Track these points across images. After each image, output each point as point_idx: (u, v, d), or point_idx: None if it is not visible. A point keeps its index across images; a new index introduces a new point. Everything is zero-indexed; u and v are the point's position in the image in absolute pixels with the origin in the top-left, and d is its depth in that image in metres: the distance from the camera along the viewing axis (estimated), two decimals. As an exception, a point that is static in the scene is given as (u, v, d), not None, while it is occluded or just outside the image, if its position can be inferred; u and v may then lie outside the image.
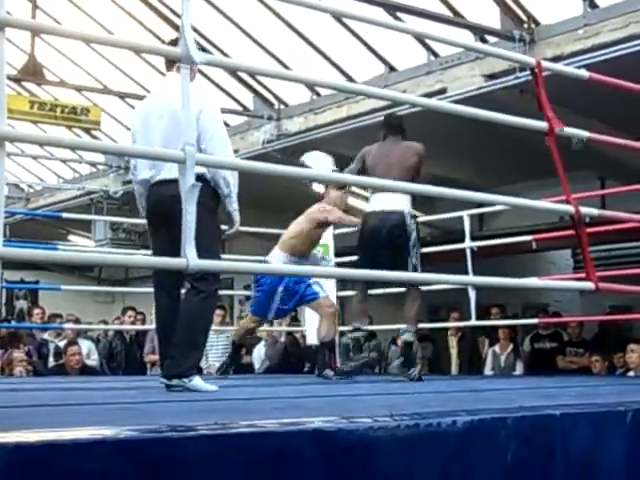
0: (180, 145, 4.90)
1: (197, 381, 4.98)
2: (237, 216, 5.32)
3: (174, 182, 5.01)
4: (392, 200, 6.61)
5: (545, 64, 4.65)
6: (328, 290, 8.70)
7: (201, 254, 4.18)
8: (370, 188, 7.01)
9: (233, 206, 5.25)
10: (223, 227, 5.40)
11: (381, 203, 6.71)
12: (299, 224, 7.58)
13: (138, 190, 5.49)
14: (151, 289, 8.54)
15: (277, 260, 7.50)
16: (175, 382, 4.94)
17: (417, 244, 6.72)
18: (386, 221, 6.67)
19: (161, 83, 5.73)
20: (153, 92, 5.77)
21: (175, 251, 4.61)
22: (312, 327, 8.41)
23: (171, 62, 5.22)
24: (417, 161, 6.83)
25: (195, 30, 11.86)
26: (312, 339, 9.36)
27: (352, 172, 6.76)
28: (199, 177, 4.94)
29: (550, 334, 10.69)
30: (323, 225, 7.65)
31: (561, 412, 2.91)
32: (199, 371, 5.47)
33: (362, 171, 6.82)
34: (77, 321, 12.74)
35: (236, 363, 8.25)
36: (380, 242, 6.66)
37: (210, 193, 5.05)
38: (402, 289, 7.32)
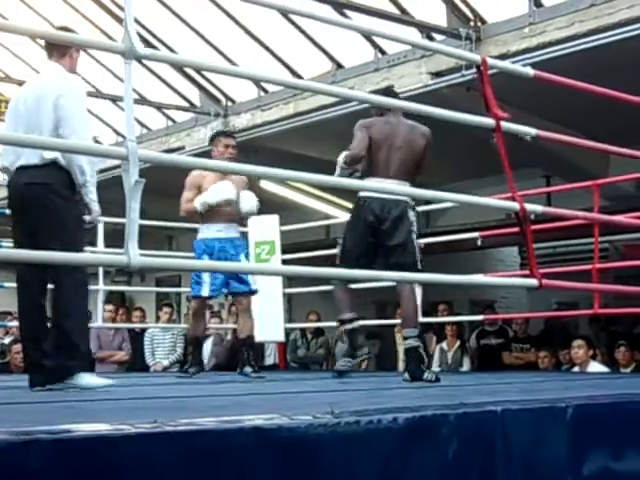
0: (40, 130, 4.92)
1: (86, 378, 4.94)
2: (95, 206, 5.18)
3: (31, 168, 4.99)
4: (394, 188, 5.83)
5: (490, 61, 4.67)
6: (273, 287, 8.65)
7: (50, 244, 4.12)
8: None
9: (89, 196, 5.12)
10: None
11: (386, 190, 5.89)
12: None
13: (5, 179, 5.48)
14: (96, 286, 8.49)
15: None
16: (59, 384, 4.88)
17: (417, 238, 6.02)
18: (388, 210, 5.88)
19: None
20: (29, 79, 5.75)
21: (31, 244, 4.59)
22: (260, 324, 8.30)
23: (50, 49, 5.22)
24: (424, 145, 6.07)
25: (140, 24, 11.83)
26: (259, 336, 9.36)
27: (361, 143, 5.94)
28: (53, 163, 4.93)
29: (496, 330, 10.77)
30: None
31: (502, 408, 2.92)
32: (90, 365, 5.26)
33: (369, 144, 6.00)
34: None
35: (200, 361, 7.89)
36: (380, 232, 5.93)
37: (64, 180, 4.99)
38: (374, 284, 7.15)
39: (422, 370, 5.68)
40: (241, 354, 7.33)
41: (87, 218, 5.21)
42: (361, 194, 6.01)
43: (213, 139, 7.52)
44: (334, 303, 6.38)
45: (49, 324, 5.11)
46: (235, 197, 7.07)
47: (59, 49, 5.21)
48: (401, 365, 11.13)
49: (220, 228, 7.27)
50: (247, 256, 7.76)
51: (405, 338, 5.91)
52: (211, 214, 7.21)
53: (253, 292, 7.37)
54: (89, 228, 5.45)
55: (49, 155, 4.93)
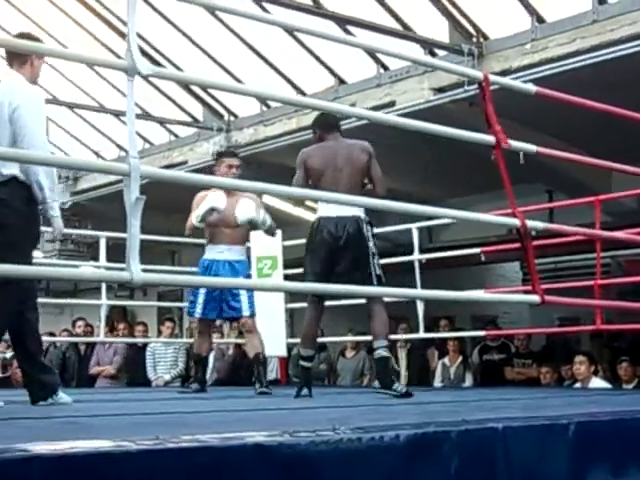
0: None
1: (61, 394, 5.01)
2: (57, 222, 5.14)
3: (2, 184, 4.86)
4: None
5: (492, 78, 4.68)
6: (275, 302, 8.59)
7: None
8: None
9: (50, 212, 5.06)
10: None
11: (334, 208, 5.92)
12: None
13: None
14: (99, 301, 8.50)
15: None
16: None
17: (376, 252, 6.03)
18: (342, 227, 5.90)
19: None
20: None
21: None
22: (262, 338, 8.25)
23: (10, 58, 5.15)
24: (367, 160, 6.08)
25: (146, 41, 11.88)
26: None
27: (299, 181, 6.13)
28: (12, 179, 4.83)
29: (498, 346, 10.75)
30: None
31: (504, 425, 2.92)
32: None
33: (307, 178, 6.17)
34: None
35: (204, 379, 7.69)
36: (337, 250, 5.92)
37: (23, 196, 4.90)
38: (361, 300, 7.07)
39: (392, 380, 5.86)
40: (254, 372, 7.21)
41: (49, 233, 5.25)
42: (316, 216, 6.14)
43: (217, 159, 7.46)
44: (303, 328, 6.34)
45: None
46: (222, 206, 6.94)
47: (19, 57, 5.12)
48: (403, 381, 11.15)
49: (222, 250, 7.24)
50: (248, 278, 7.62)
51: (375, 349, 5.96)
52: (215, 234, 7.24)
53: (247, 316, 7.24)
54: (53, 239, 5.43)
55: (7, 171, 4.84)
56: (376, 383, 5.94)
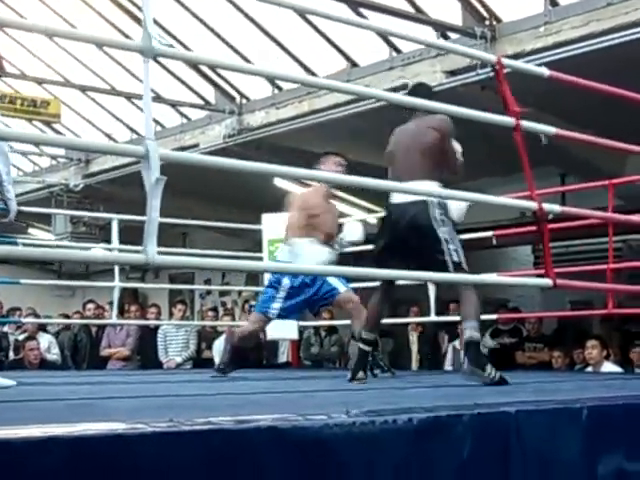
0: None
1: None
2: (12, 204, 5.22)
3: None
4: (413, 188, 5.44)
5: (505, 61, 4.67)
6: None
7: None
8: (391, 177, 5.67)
9: (6, 195, 5.15)
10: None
11: (399, 194, 5.50)
12: None
13: None
14: (112, 283, 8.51)
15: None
16: None
17: (450, 238, 5.45)
18: (407, 213, 5.46)
19: None
20: None
21: None
22: (274, 322, 8.20)
23: None
24: (435, 138, 5.52)
25: (158, 24, 11.85)
26: (273, 334, 9.35)
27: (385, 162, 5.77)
28: None
29: (510, 329, 10.74)
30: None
31: (517, 409, 2.92)
32: None
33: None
34: (35, 315, 12.68)
35: (237, 364, 7.28)
36: (400, 238, 5.51)
37: None
38: (373, 283, 6.89)
39: (484, 366, 5.19)
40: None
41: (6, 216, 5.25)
42: (388, 202, 5.69)
43: (321, 157, 7.23)
44: (367, 310, 5.95)
45: None
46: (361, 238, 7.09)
47: None
48: (414, 364, 11.16)
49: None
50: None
51: (465, 329, 5.45)
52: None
53: (346, 290, 6.99)
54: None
55: None
56: (465, 367, 5.39)
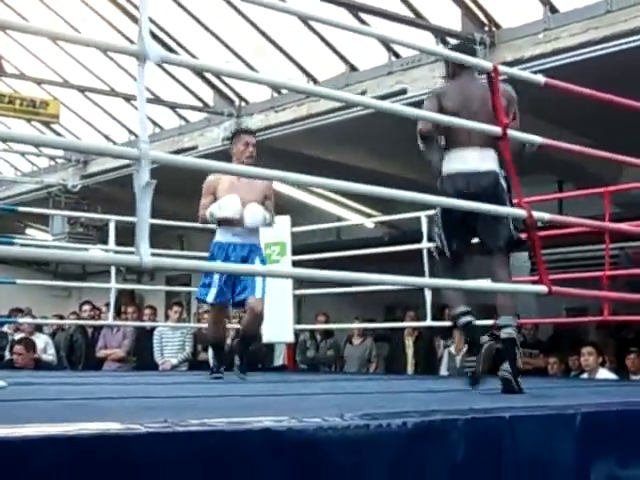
0: None
1: None
2: None
3: None
4: (482, 158, 5.10)
5: (502, 68, 4.68)
6: (282, 288, 8.45)
7: None
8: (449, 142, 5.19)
9: None
10: None
11: (470, 161, 5.12)
12: None
13: None
14: (108, 284, 8.51)
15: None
16: None
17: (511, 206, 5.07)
18: (476, 184, 5.04)
19: None
20: None
21: None
22: (269, 325, 8.21)
23: None
24: (506, 106, 4.94)
25: (158, 27, 11.88)
26: (269, 337, 9.37)
27: (427, 125, 5.18)
28: None
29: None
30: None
31: (510, 415, 2.93)
32: None
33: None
34: (31, 315, 12.70)
35: (226, 361, 7.32)
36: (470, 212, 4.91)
37: None
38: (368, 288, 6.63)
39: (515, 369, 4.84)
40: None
41: None
42: (443, 173, 5.26)
43: (234, 136, 7.17)
44: (445, 299, 5.53)
45: None
46: (239, 214, 6.75)
47: None
48: (410, 369, 11.17)
49: (238, 232, 6.94)
50: (263, 262, 7.18)
51: (503, 327, 5.03)
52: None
53: (260, 297, 6.91)
54: None
55: None
56: (505, 366, 4.83)
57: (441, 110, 5.13)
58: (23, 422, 2.19)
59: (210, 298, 6.96)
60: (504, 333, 4.97)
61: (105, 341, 11.12)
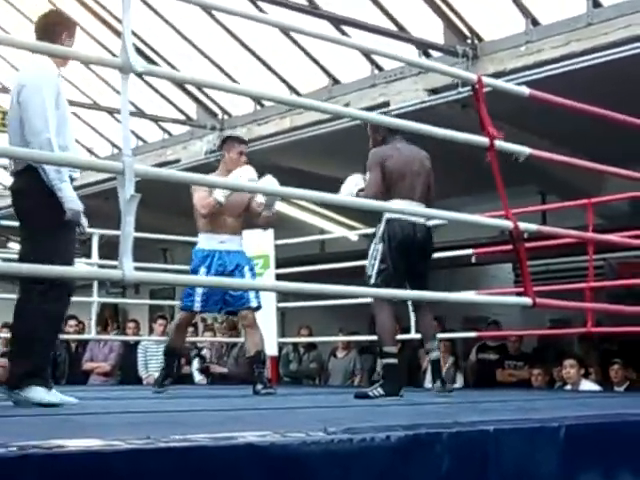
0: (14, 132, 4.63)
1: (34, 392, 4.48)
2: (67, 203, 4.62)
3: (16, 174, 4.71)
4: (410, 209, 5.87)
5: (486, 80, 4.69)
6: (266, 301, 8.42)
7: (37, 256, 3.98)
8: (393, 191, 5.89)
9: (58, 194, 4.61)
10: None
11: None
12: None
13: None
14: (91, 298, 8.46)
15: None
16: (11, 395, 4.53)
17: None
18: (423, 235, 5.98)
19: None
20: None
21: (24, 254, 4.52)
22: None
23: (40, 38, 4.79)
24: (430, 167, 6.17)
25: (141, 39, 11.87)
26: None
27: (377, 181, 5.90)
28: (29, 167, 4.57)
29: (497, 346, 10.74)
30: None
31: (495, 427, 2.92)
32: (43, 379, 4.62)
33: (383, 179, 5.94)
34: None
35: (173, 373, 7.25)
36: (417, 256, 5.94)
37: (39, 185, 4.58)
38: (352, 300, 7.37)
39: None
40: (252, 372, 6.82)
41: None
42: (390, 216, 5.91)
43: (225, 141, 7.09)
44: (377, 327, 6.00)
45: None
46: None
47: (48, 37, 4.76)
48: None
49: (223, 239, 6.87)
50: (252, 270, 7.09)
51: (432, 350, 6.23)
52: (215, 223, 6.84)
53: (253, 308, 6.85)
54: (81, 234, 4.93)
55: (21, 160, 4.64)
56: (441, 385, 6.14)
57: (384, 171, 5.92)
58: (3, 439, 2.17)
59: (197, 306, 6.86)
60: (432, 357, 6.22)
61: (92, 354, 11.07)
